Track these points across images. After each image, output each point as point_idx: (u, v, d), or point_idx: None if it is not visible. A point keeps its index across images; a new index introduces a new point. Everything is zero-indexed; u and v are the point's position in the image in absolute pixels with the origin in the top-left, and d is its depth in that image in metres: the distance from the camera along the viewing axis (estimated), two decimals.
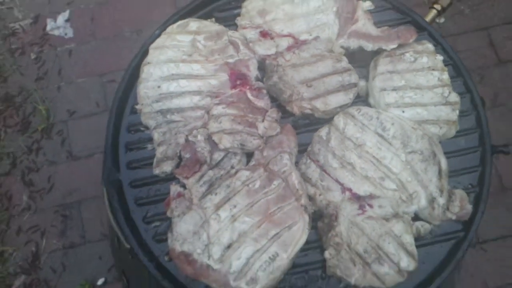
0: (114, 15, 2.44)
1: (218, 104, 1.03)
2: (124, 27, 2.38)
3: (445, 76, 1.07)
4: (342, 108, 1.04)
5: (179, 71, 1.05)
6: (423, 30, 1.13)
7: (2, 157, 2.26)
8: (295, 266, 0.99)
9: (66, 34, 2.42)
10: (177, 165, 1.02)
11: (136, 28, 2.38)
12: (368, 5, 1.14)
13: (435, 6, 1.35)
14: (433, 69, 1.07)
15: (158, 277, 0.97)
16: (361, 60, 1.10)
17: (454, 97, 1.05)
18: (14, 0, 2.44)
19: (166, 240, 0.99)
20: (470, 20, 2.39)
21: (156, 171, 1.02)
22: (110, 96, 2.28)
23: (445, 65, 1.10)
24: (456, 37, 2.38)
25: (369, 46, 1.07)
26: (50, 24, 2.43)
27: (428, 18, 1.31)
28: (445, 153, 1.03)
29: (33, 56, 2.40)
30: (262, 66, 1.08)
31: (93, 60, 2.36)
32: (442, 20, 2.37)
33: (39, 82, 2.36)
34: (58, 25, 2.42)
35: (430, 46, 1.09)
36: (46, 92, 2.34)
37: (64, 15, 2.44)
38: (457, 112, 1.05)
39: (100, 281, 2.09)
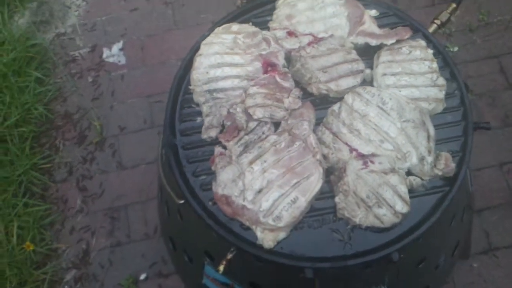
0: (162, 46, 2.82)
1: (253, 85, 1.34)
2: (171, 55, 2.75)
3: (435, 65, 1.35)
4: (351, 89, 1.34)
5: (223, 61, 1.37)
6: (417, 32, 1.43)
7: (60, 166, 2.60)
8: (312, 210, 1.25)
9: (119, 61, 2.80)
10: (220, 132, 1.33)
11: (180, 56, 2.75)
12: (373, 12, 1.45)
13: (435, 21, 1.66)
14: (424, 60, 1.35)
15: (205, 216, 1.25)
16: (367, 53, 1.39)
17: (441, 81, 1.33)
18: (76, 31, 2.85)
19: (210, 189, 1.28)
20: (481, 49, 2.68)
21: (204, 136, 1.32)
22: (156, 114, 2.62)
23: (436, 57, 1.39)
24: (468, 64, 2.66)
25: (373, 42, 1.37)
26: (106, 53, 2.82)
27: (430, 30, 1.61)
28: (434, 125, 1.31)
29: (90, 79, 2.77)
30: (288, 57, 1.38)
31: (142, 84, 2.72)
32: (455, 48, 2.66)
33: (95, 101, 2.72)
34: (113, 53, 2.81)
35: (422, 42, 1.38)
36: (100, 110, 2.70)
37: (118, 45, 2.83)
38: (444, 92, 1.32)
39: (142, 276, 2.36)
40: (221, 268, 1.26)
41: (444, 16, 1.63)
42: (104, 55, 2.80)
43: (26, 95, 2.60)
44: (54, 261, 2.38)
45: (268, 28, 1.43)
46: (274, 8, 1.47)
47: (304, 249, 1.22)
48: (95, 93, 2.72)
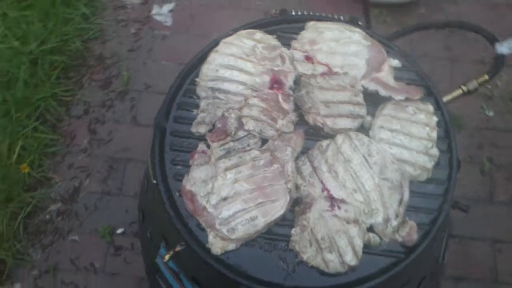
0: (209, 19, 2.86)
1: (255, 96, 1.36)
2: (213, 32, 2.78)
3: (434, 134, 1.34)
4: (346, 130, 1.35)
5: (236, 64, 1.39)
6: (431, 95, 1.42)
7: (79, 103, 2.69)
8: (268, 233, 1.28)
9: (166, 21, 2.86)
10: (210, 131, 1.36)
11: (222, 32, 2.78)
12: (395, 63, 1.44)
13: (463, 87, 1.64)
14: (426, 125, 1.34)
15: (167, 205, 1.30)
16: (375, 101, 1.40)
17: (435, 151, 1.33)
18: None
19: (181, 180, 1.32)
20: None
21: (193, 129, 1.36)
22: None
23: (438, 127, 1.39)
24: (500, 133, 2.62)
25: (383, 92, 1.37)
26: (155, 9, 2.87)
27: (452, 95, 1.59)
28: (412, 191, 1.31)
29: (133, 30, 2.84)
30: (297, 80, 1.41)
31: (180, 50, 2.77)
32: (491, 113, 2.62)
33: (131, 53, 2.79)
34: (162, 12, 2.86)
35: (430, 107, 1.37)
36: (133, 63, 2.77)
37: (169, 6, 2.88)
38: (433, 163, 1.32)
39: (119, 230, 2.44)
40: (167, 257, 1.31)
41: (472, 85, 1.62)
42: (153, 12, 2.85)
43: (69, 27, 2.68)
44: (44, 189, 2.48)
45: (289, 46, 1.45)
46: (302, 28, 1.48)
47: (248, 266, 1.25)
48: (133, 45, 2.79)
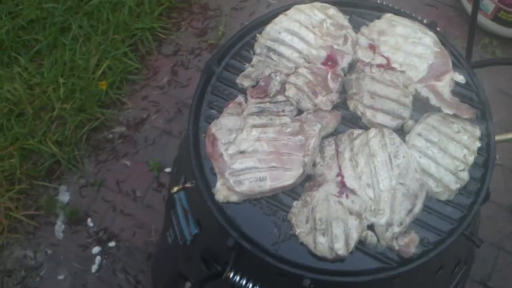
0: None
1: (306, 68, 1.37)
2: None
3: (471, 159, 1.27)
4: (383, 126, 1.32)
5: (299, 32, 1.39)
6: (484, 121, 1.35)
7: (171, 43, 2.81)
8: (274, 198, 1.29)
9: None
10: (252, 86, 1.39)
11: None
12: (460, 78, 1.38)
13: None
14: (466, 148, 1.28)
15: (191, 141, 1.34)
16: (423, 107, 1.36)
17: (465, 176, 1.26)
18: None
19: (209, 123, 1.36)
20: None
21: (238, 80, 1.38)
22: None
23: (479, 153, 1.32)
24: None
25: (433, 101, 1.31)
26: None
27: (503, 136, 1.50)
28: (427, 207, 1.26)
29: None
30: (353, 65, 1.39)
31: None
32: None
33: (233, 11, 2.87)
34: None
35: (478, 132, 1.30)
36: (232, 21, 2.84)
37: None
38: (459, 186, 1.26)
39: (167, 169, 2.54)
40: (175, 189, 1.36)
41: None
42: None
43: None
44: (116, 111, 2.62)
45: (357, 30, 1.43)
46: (378, 17, 1.46)
47: (242, 221, 1.27)
48: (238, 5, 2.86)
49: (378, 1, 1.51)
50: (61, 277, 2.36)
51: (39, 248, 2.40)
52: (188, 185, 1.36)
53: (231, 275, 1.31)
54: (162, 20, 2.78)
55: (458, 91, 1.37)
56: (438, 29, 1.44)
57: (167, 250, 1.88)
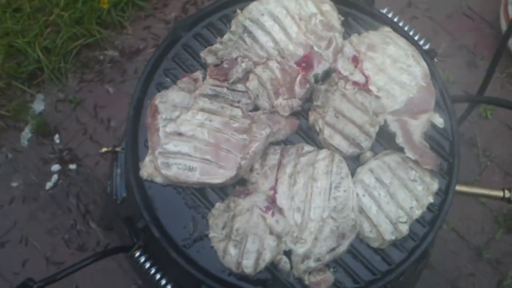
0: None
1: (277, 62, 1.23)
2: None
3: (418, 212, 1.14)
4: (336, 150, 1.20)
5: (283, 20, 1.23)
6: (448, 176, 1.22)
7: None
8: (200, 192, 1.19)
9: None
10: (215, 65, 1.26)
11: None
12: (439, 121, 1.24)
13: (506, 190, 1.40)
14: (416, 199, 1.16)
15: (133, 104, 1.24)
16: (387, 142, 1.23)
17: (404, 229, 1.13)
18: None
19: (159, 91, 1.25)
20: None
21: (202, 54, 1.26)
22: None
23: (428, 209, 1.19)
24: None
25: (399, 140, 1.18)
26: None
27: (483, 190, 1.37)
28: (357, 250, 1.17)
29: None
30: (328, 73, 1.25)
31: None
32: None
33: None
34: None
35: (435, 186, 1.17)
36: None
37: None
38: (393, 238, 1.15)
39: None
40: (104, 149, 1.29)
41: None
42: None
43: None
44: (113, 34, 2.51)
45: (348, 36, 1.28)
46: (376, 28, 1.30)
47: (160, 205, 1.20)
48: None
49: (385, 10, 1.35)
50: (14, 184, 2.32)
51: (1, 149, 2.35)
52: (118, 149, 1.27)
53: (137, 254, 1.24)
54: None
55: (432, 135, 1.24)
56: (436, 60, 1.28)
57: (108, 195, 1.82)
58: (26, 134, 2.38)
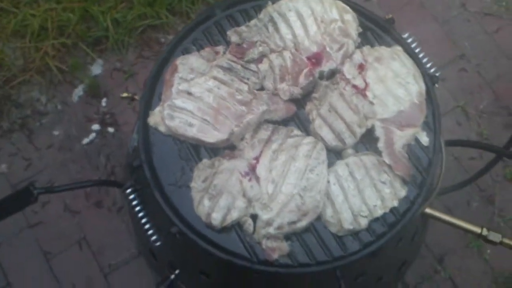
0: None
1: (291, 53, 1.40)
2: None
3: (380, 211, 1.24)
4: (322, 141, 1.33)
5: (306, 19, 1.38)
6: (417, 189, 1.33)
7: None
8: (195, 147, 1.35)
9: None
10: (237, 44, 1.43)
11: None
12: (424, 139, 1.34)
13: (484, 229, 1.48)
14: (381, 200, 1.24)
15: (159, 62, 1.43)
16: (369, 143, 1.35)
17: (363, 223, 1.22)
18: None
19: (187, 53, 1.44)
20: None
21: (228, 33, 1.43)
22: None
23: (391, 212, 1.30)
24: None
25: (380, 145, 1.29)
26: None
27: (470, 226, 1.44)
28: (317, 232, 1.27)
29: None
30: (333, 73, 1.39)
31: None
32: None
33: None
34: None
35: (402, 193, 1.26)
36: None
37: None
38: (351, 228, 1.25)
39: None
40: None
41: (496, 237, 1.48)
42: None
43: None
44: (179, 21, 2.74)
45: (361, 46, 1.43)
46: (390, 45, 1.44)
47: (155, 152, 1.37)
48: None
49: (406, 35, 1.48)
50: (56, 132, 2.56)
51: (53, 100, 2.61)
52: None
53: (128, 191, 1.41)
54: None
55: (415, 150, 1.35)
56: (436, 85, 1.40)
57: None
58: (79, 91, 2.63)
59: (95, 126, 2.58)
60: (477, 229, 1.47)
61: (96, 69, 2.67)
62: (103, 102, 2.61)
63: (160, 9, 2.69)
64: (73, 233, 2.41)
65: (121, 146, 2.55)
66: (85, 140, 2.55)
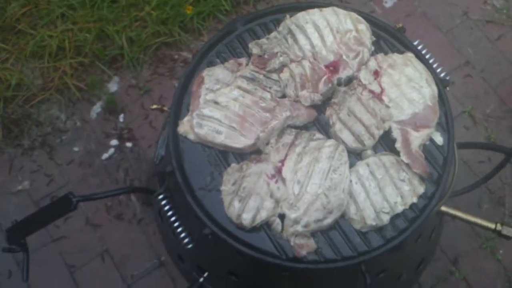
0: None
1: (309, 62, 1.50)
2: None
3: (400, 208, 1.33)
4: (342, 143, 1.43)
5: (323, 30, 1.49)
6: (435, 186, 1.42)
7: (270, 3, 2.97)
8: (223, 153, 1.44)
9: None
10: (259, 56, 1.53)
11: None
12: (439, 139, 1.44)
13: (499, 224, 1.57)
14: (401, 197, 1.34)
15: (186, 73, 1.53)
16: (387, 144, 1.45)
17: (385, 219, 1.32)
18: None
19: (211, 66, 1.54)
20: None
21: (250, 45, 1.52)
22: None
23: (411, 208, 1.39)
24: None
25: (398, 145, 1.39)
26: None
27: (474, 219, 1.54)
28: (342, 229, 1.36)
29: None
30: (350, 79, 1.49)
31: None
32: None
33: None
34: None
35: (421, 189, 1.35)
36: None
37: None
38: (374, 224, 1.34)
39: None
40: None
41: (509, 232, 1.56)
42: None
43: None
44: (191, 37, 2.85)
45: (375, 54, 1.53)
46: (401, 52, 1.54)
47: (185, 157, 1.45)
48: None
49: (416, 43, 1.59)
50: (76, 149, 2.66)
51: (72, 117, 2.71)
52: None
53: (160, 197, 1.50)
54: None
55: (430, 149, 1.45)
56: (447, 88, 1.50)
57: (152, 162, 2.10)
58: (97, 108, 2.73)
59: (114, 142, 2.68)
60: (491, 225, 1.55)
61: (113, 86, 2.77)
62: (121, 118, 2.71)
63: (173, 26, 2.81)
64: (96, 246, 2.50)
65: (139, 160, 2.64)
66: (104, 155, 2.64)
